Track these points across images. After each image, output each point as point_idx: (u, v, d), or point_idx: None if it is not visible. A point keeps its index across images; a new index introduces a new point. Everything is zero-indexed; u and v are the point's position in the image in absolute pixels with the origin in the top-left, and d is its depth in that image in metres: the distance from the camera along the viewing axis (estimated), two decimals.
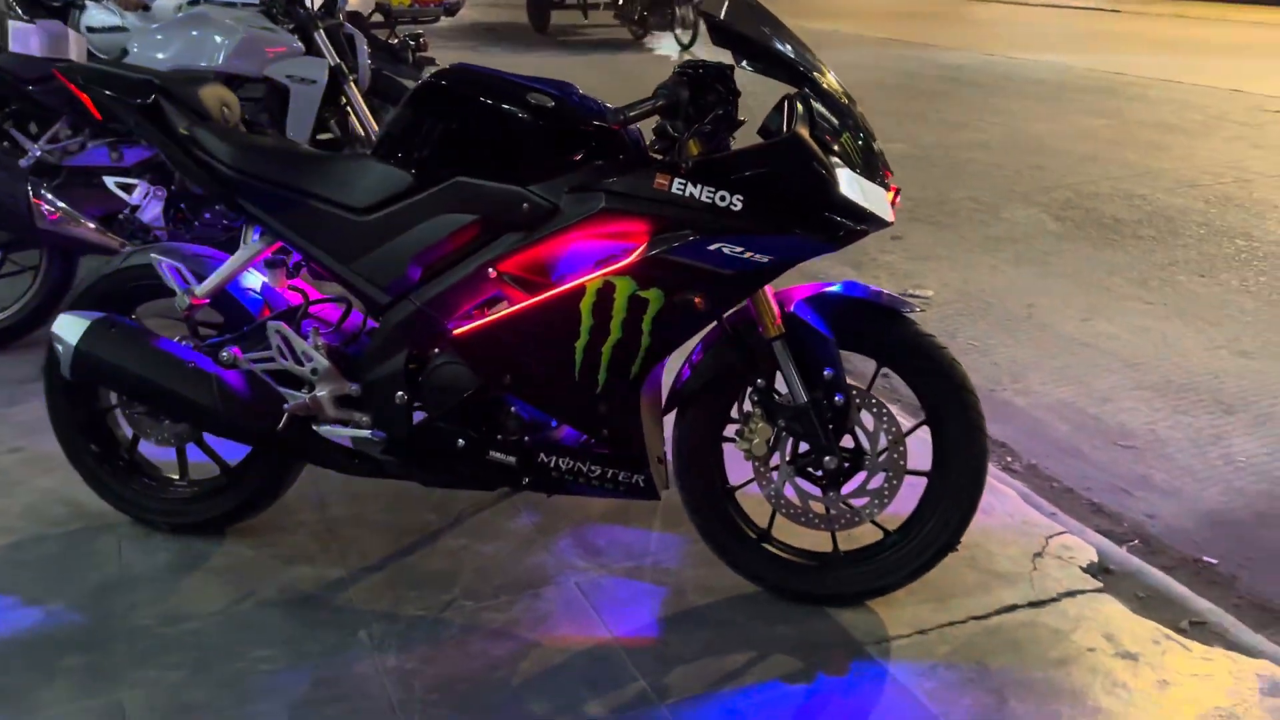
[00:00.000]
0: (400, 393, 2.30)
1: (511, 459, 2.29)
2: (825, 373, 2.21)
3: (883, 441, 2.26)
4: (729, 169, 2.05)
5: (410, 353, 2.29)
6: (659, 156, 2.14)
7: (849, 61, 11.21)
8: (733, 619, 2.32)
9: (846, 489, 2.31)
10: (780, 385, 2.25)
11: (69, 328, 2.33)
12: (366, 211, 2.27)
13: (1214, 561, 2.75)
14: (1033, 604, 2.39)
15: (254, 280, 2.44)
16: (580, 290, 2.13)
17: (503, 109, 2.16)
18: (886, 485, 2.29)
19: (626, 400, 2.22)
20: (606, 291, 2.12)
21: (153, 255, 2.39)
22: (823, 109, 2.09)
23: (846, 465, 2.25)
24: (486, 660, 2.18)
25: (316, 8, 3.98)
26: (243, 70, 3.81)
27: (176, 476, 2.65)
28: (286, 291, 2.47)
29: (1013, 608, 2.37)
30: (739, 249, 2.06)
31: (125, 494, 2.61)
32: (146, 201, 3.77)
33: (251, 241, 2.38)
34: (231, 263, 2.38)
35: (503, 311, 2.20)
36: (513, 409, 2.30)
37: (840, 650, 2.22)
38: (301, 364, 2.33)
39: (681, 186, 2.06)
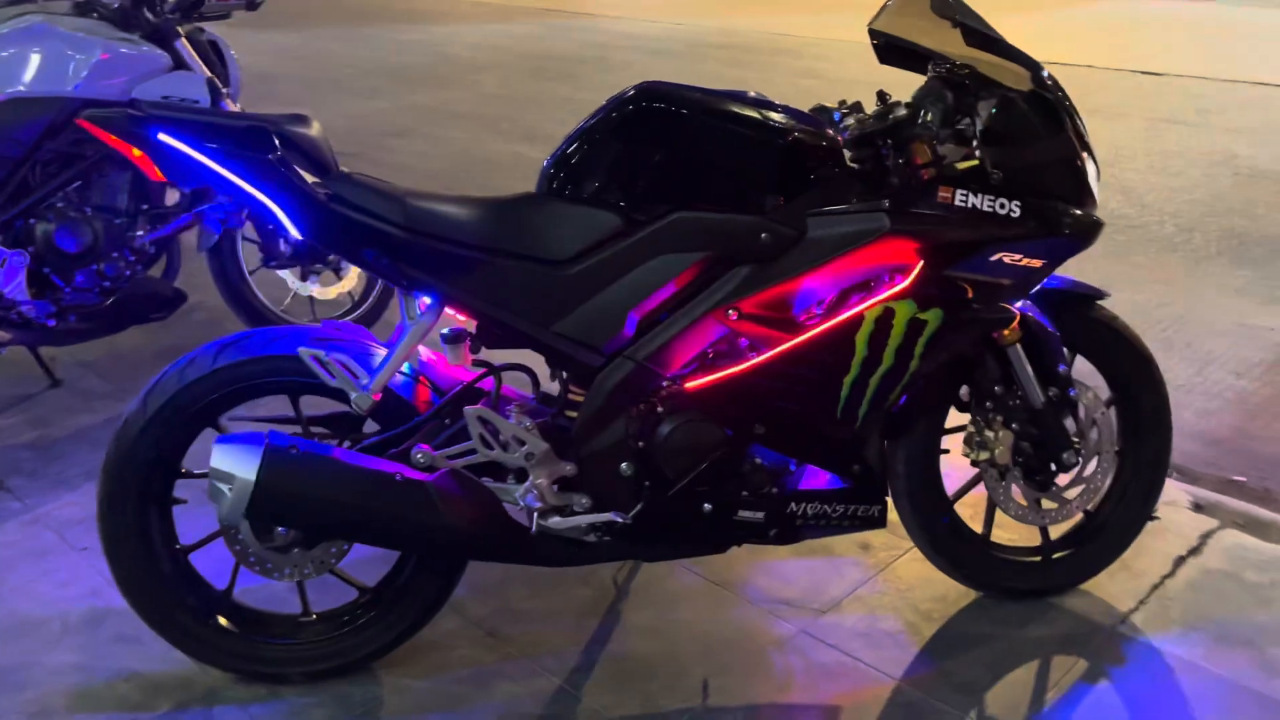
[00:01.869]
0: (625, 463, 1.99)
1: (759, 514, 2.07)
2: (1060, 369, 2.19)
3: (1094, 430, 2.29)
4: (1007, 173, 1.95)
5: (632, 417, 1.99)
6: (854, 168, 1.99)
7: (490, 36, 11.07)
8: (988, 632, 2.26)
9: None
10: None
11: (236, 460, 1.77)
12: (569, 263, 1.93)
13: (1242, 479, 3.08)
14: (1192, 551, 2.55)
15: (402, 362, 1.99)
16: (857, 321, 1.95)
17: (727, 129, 1.92)
18: (1098, 471, 2.32)
19: (879, 432, 2.08)
20: (885, 319, 1.96)
21: (301, 349, 1.87)
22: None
23: (1081, 458, 2.26)
24: None
25: (168, 9, 3.26)
26: (105, 95, 3.04)
27: (289, 617, 2.12)
28: (451, 369, 2.05)
29: (1180, 559, 2.52)
30: (1016, 257, 1.98)
31: (236, 649, 2.06)
32: (2, 271, 2.98)
33: (420, 316, 1.94)
34: (405, 344, 1.93)
35: (758, 356, 1.97)
36: (757, 460, 2.07)
37: (1100, 637, 2.25)
38: (512, 451, 1.94)
39: (964, 198, 1.94)
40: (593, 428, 1.98)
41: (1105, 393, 2.34)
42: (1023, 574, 2.35)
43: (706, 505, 2.03)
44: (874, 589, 2.40)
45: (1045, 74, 2.03)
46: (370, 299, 3.67)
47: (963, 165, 1.99)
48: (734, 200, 1.93)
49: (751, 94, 2.02)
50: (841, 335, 1.96)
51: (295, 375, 1.93)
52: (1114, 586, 2.41)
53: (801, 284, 1.95)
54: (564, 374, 2.03)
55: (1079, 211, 2.03)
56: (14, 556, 2.48)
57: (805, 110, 2.08)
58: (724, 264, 1.95)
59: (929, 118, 1.89)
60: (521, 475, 1.98)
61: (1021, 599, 2.35)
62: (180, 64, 3.21)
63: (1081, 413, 2.26)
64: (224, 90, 3.35)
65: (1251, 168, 6.00)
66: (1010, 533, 2.44)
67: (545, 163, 2.00)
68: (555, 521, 1.97)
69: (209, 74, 3.27)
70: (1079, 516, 2.38)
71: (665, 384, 1.99)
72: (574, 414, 2.01)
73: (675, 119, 1.92)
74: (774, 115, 1.96)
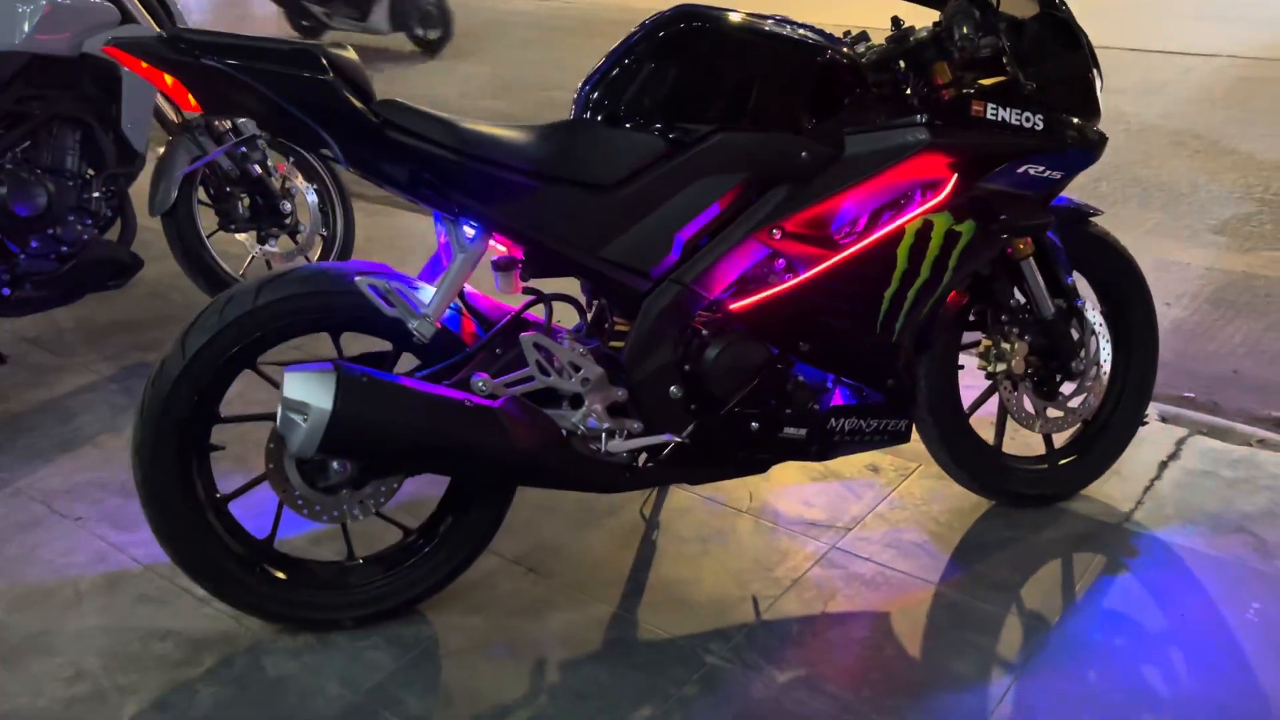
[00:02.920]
0: (673, 387, 2.01)
1: (802, 431, 2.11)
2: (1067, 281, 2.30)
3: (1092, 339, 2.41)
4: (1034, 86, 2.04)
5: (680, 340, 2.01)
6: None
7: None
8: (1008, 536, 2.37)
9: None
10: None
11: (311, 389, 1.71)
12: (617, 187, 1.93)
13: (1191, 395, 3.28)
14: (1171, 456, 2.71)
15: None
16: (899, 234, 2.02)
17: (766, 48, 1.95)
18: (1095, 380, 2.45)
19: (913, 344, 2.15)
20: (924, 231, 2.03)
21: (357, 279, 1.82)
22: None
23: (1083, 367, 2.37)
24: (873, 644, 2.04)
25: None
26: (54, 50, 2.87)
27: (334, 563, 2.08)
28: (494, 301, 2.02)
29: (1164, 464, 2.68)
30: (1041, 168, 2.08)
31: (285, 597, 2.00)
32: None
33: (469, 242, 1.91)
34: (455, 271, 1.90)
35: (804, 274, 2.01)
36: (800, 377, 2.11)
37: (1109, 534, 2.38)
38: (568, 377, 1.94)
39: (994, 112, 2.02)
40: (642, 352, 1.99)
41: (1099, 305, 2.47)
42: (1033, 481, 2.46)
43: (754, 424, 2.06)
44: (892, 505, 2.48)
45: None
46: (331, 259, 3.58)
47: (987, 81, 2.07)
48: (773, 120, 1.97)
49: (782, 17, 2.05)
50: (883, 249, 2.02)
51: (343, 310, 1.88)
52: (1111, 490, 2.54)
53: (842, 201, 2.00)
54: (607, 301, 2.03)
55: (1090, 125, 2.14)
56: (5, 529, 2.35)
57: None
58: (764, 185, 1.99)
59: (965, 31, 1.96)
60: (576, 401, 1.98)
61: (1031, 505, 2.46)
62: (128, 17, 3.07)
63: (1085, 322, 2.38)
64: None
65: (1141, 123, 6.34)
66: (1015, 444, 2.55)
67: (582, 86, 2.00)
68: (615, 445, 1.98)
69: (158, 29, 3.13)
70: (1079, 425, 2.50)
71: (711, 306, 2.01)
72: (619, 343, 2.02)
73: (716, 39, 1.94)
74: (810, 36, 2.00)
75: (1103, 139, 2.16)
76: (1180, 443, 2.78)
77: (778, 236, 1.99)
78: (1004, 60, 2.04)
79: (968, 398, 2.40)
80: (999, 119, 2.03)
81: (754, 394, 2.05)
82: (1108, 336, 2.44)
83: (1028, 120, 2.05)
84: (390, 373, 1.84)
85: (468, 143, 1.85)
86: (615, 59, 1.97)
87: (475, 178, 1.86)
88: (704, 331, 2.01)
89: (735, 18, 1.97)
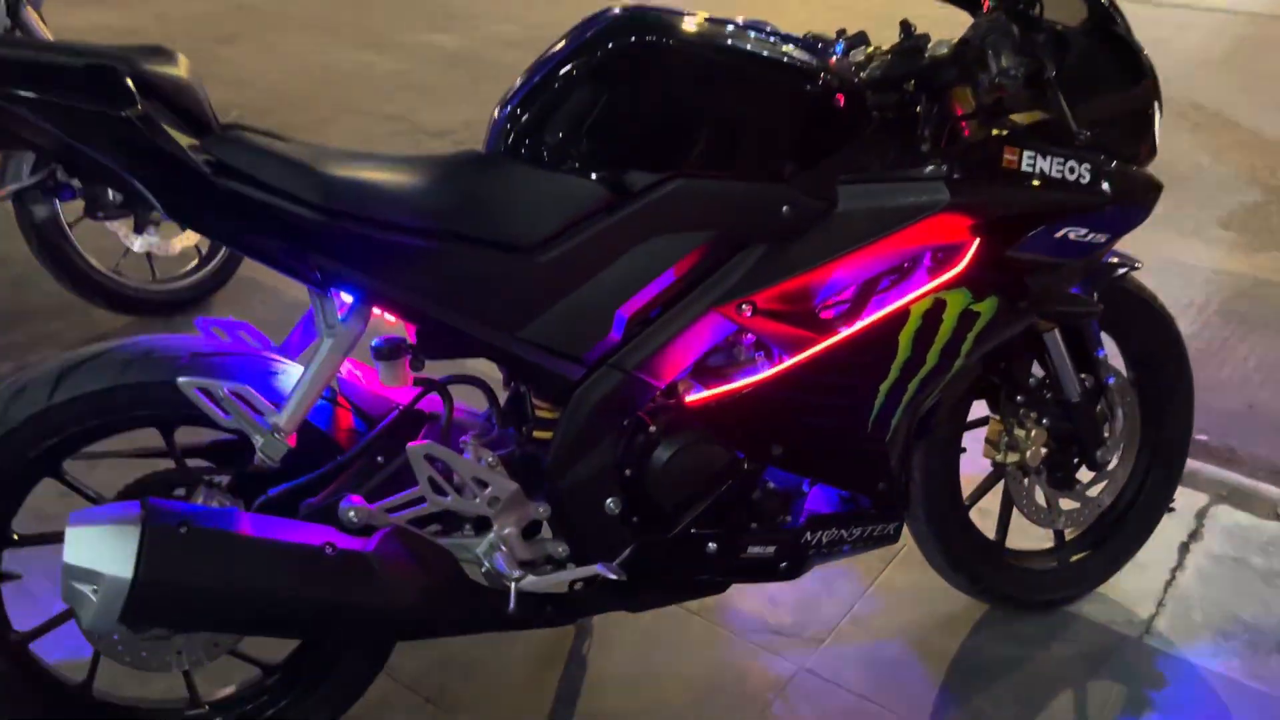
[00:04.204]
0: (610, 499, 1.57)
1: (770, 548, 1.69)
2: (1098, 355, 1.88)
3: (1120, 416, 2.00)
4: (1086, 135, 1.58)
5: (620, 441, 1.56)
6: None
7: None
8: (1011, 655, 1.97)
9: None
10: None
11: (103, 552, 1.25)
12: (541, 248, 1.46)
13: (1204, 437, 2.90)
14: (1192, 535, 2.33)
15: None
16: (901, 316, 1.57)
17: (737, 69, 1.48)
18: (1121, 461, 2.05)
19: (910, 440, 1.72)
20: (935, 312, 1.59)
21: (180, 381, 1.35)
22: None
23: (1109, 456, 1.97)
24: None
25: None
26: None
27: (171, 710, 1.63)
28: (380, 388, 1.56)
29: (1185, 546, 2.30)
30: (1083, 231, 1.63)
31: None
32: None
33: (340, 322, 1.44)
34: (320, 363, 1.43)
35: (780, 361, 1.57)
36: (770, 484, 1.68)
37: (1129, 651, 2.00)
38: (471, 496, 1.49)
39: (1031, 161, 1.57)
40: (571, 456, 1.54)
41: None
42: (1040, 583, 2.06)
43: (711, 545, 1.63)
44: (871, 606, 2.07)
45: (1114, 7, 1.66)
46: (220, 253, 3.07)
47: (1021, 118, 1.61)
48: (747, 164, 1.51)
49: (755, 21, 1.58)
50: (881, 333, 1.58)
51: (171, 406, 1.41)
52: (1127, 585, 2.16)
53: (832, 271, 1.55)
54: (531, 389, 1.58)
55: (1144, 172, 1.69)
56: None
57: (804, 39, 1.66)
58: (732, 247, 1.53)
59: (1004, 64, 1.48)
60: (482, 524, 1.53)
61: (1045, 609, 2.07)
62: None
63: (1113, 399, 1.96)
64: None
65: None
66: (1018, 532, 2.15)
67: (497, 112, 1.52)
68: (529, 582, 1.54)
69: None
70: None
71: (661, 398, 1.57)
72: (544, 435, 1.57)
73: (672, 57, 1.47)
74: (796, 51, 1.53)
75: (1157, 188, 1.72)
76: (1201, 516, 2.40)
77: (748, 313, 1.54)
78: (1047, 93, 1.57)
79: (967, 485, 1.98)
80: (1036, 169, 1.57)
81: (712, 507, 1.61)
82: (1137, 413, 2.03)
83: (1071, 171, 1.60)
84: (226, 506, 1.39)
85: (334, 192, 1.37)
86: (540, 77, 1.48)
87: (346, 239, 1.38)
88: (651, 430, 1.56)
89: (696, 25, 1.49)
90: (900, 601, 2.08)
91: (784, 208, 1.52)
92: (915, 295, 1.57)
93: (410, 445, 1.44)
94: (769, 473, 1.67)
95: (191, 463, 1.54)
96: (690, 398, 1.57)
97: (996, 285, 1.60)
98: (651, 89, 1.47)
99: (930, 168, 1.53)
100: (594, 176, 1.47)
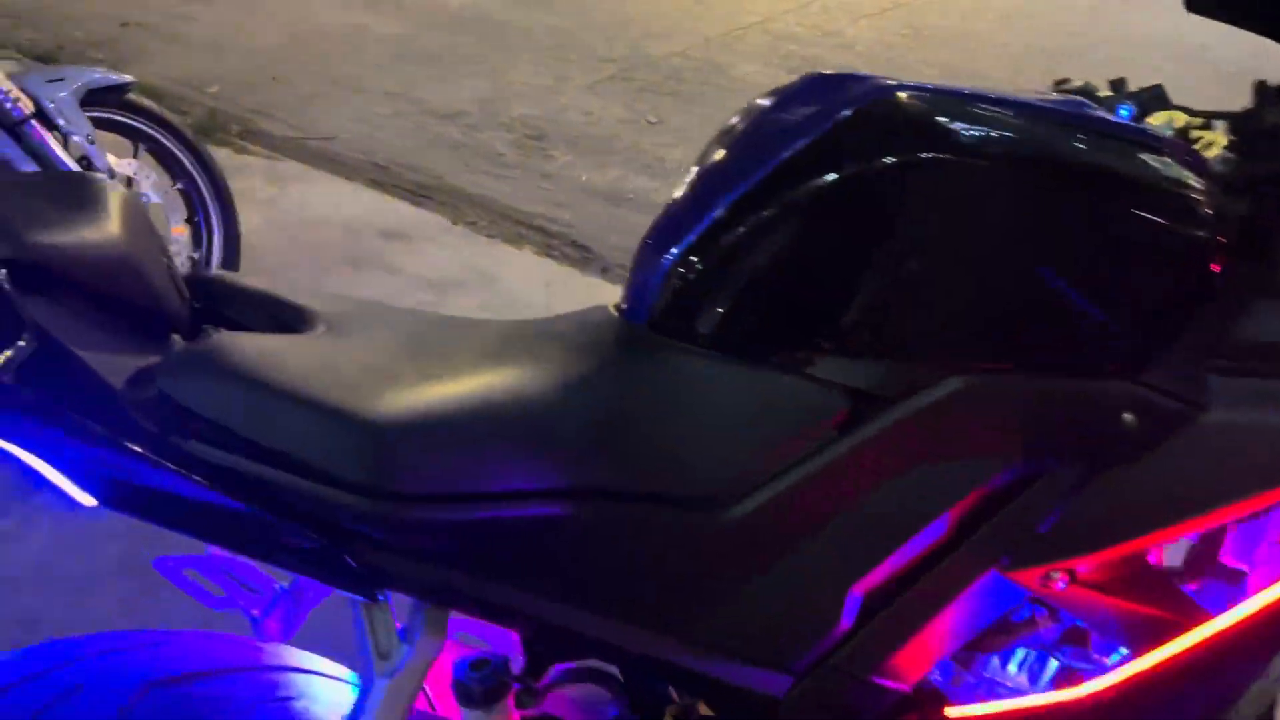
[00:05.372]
0: None
1: None
2: None
3: None
4: None
5: None
6: None
7: None
8: None
9: None
10: None
11: None
12: (731, 499, 0.86)
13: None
14: None
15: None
16: None
17: (1096, 194, 0.88)
18: None
19: None
20: None
21: None
22: None
23: None
24: None
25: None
26: None
27: None
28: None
29: None
30: None
31: None
32: None
33: (404, 649, 0.82)
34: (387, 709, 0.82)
35: (1119, 659, 0.98)
36: None
37: None
38: None
39: None
40: None
41: None
42: None
43: None
44: None
45: None
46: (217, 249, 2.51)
47: None
48: (1073, 345, 0.91)
49: (1076, 101, 0.96)
50: (1272, 616, 0.98)
51: None
52: None
53: (1205, 520, 0.95)
54: (694, 706, 0.98)
55: None
56: None
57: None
58: (1027, 476, 0.93)
59: None
60: None
61: None
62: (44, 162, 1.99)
63: None
64: None
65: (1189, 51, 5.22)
66: None
67: (649, 252, 0.91)
68: None
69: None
70: None
71: (911, 712, 0.98)
72: None
73: (981, 175, 0.86)
74: (1151, 160, 0.91)
75: None
76: None
77: (1061, 584, 0.94)
78: None
79: None
80: None
81: None
82: None
83: None
84: None
85: (391, 463, 0.75)
86: (718, 204, 0.87)
87: (412, 527, 0.77)
88: None
89: (991, 112, 0.88)
90: None
91: (1125, 415, 0.91)
92: None
93: None
94: None
95: None
96: (957, 713, 0.98)
97: None
98: (913, 230, 0.87)
99: None
100: (818, 375, 0.86)
